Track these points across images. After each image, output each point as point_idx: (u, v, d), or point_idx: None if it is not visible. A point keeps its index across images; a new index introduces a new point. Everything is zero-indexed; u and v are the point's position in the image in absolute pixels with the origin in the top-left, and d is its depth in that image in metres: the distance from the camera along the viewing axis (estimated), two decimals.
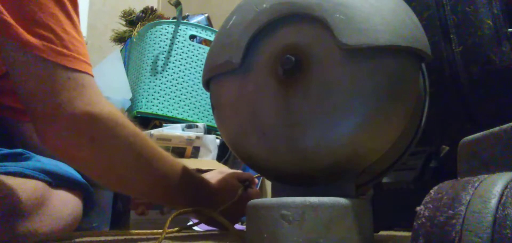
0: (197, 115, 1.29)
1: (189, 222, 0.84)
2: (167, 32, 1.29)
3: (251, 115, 0.53)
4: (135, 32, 1.37)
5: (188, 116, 1.27)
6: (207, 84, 0.59)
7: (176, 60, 1.28)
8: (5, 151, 0.65)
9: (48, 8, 0.53)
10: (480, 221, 0.26)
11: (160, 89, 1.26)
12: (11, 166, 0.61)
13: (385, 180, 0.68)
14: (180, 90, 1.27)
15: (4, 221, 0.55)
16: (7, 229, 0.55)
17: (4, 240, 0.55)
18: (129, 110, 1.26)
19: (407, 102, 0.51)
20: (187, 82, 1.29)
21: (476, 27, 0.59)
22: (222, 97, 0.57)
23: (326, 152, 0.49)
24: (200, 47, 1.32)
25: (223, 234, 0.73)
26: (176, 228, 0.69)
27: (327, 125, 0.49)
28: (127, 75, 1.36)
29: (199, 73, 1.30)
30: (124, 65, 1.40)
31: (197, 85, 1.29)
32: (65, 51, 0.53)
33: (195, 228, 0.79)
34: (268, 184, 1.09)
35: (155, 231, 0.68)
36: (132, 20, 1.44)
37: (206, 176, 0.76)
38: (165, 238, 0.62)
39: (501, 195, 0.26)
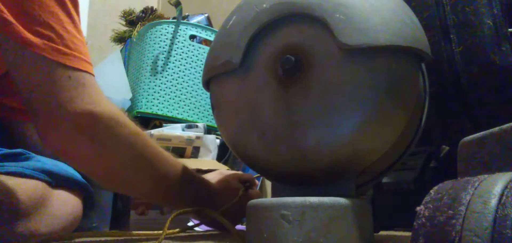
0: (197, 115, 1.29)
1: (189, 222, 0.84)
2: (167, 32, 1.29)
3: (251, 115, 0.53)
4: (135, 32, 1.37)
5: (188, 116, 1.27)
6: (207, 84, 0.59)
7: (176, 60, 1.28)
8: (5, 151, 0.65)
9: (48, 7, 0.53)
10: (480, 221, 0.26)
11: (160, 89, 1.26)
12: (11, 166, 0.61)
13: (385, 180, 0.68)
14: (180, 90, 1.27)
15: (4, 221, 0.55)
16: (7, 229, 0.55)
17: (4, 240, 0.55)
18: (129, 110, 1.26)
19: (407, 102, 0.51)
20: (187, 82, 1.29)
21: (476, 27, 0.59)
22: (222, 97, 0.57)
23: (326, 152, 0.49)
24: (200, 47, 1.32)
25: (223, 234, 0.73)
26: (177, 229, 0.68)
27: (327, 125, 0.49)
28: (127, 75, 1.36)
29: (199, 73, 1.30)
30: (124, 65, 1.40)
31: (197, 85, 1.29)
32: (65, 50, 0.53)
33: (196, 229, 0.79)
34: (268, 184, 1.09)
35: (155, 232, 0.68)
36: (132, 20, 1.44)
37: (207, 177, 0.75)
38: (165, 238, 0.62)
39: (501, 195, 0.26)
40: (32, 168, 0.62)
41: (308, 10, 0.50)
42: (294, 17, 0.52)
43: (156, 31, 1.29)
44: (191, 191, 0.68)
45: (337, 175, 0.52)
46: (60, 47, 0.52)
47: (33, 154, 0.67)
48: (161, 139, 1.06)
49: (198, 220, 0.76)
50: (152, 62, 1.27)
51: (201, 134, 1.13)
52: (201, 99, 1.30)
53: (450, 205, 0.28)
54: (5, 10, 0.50)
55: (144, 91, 1.26)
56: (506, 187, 0.27)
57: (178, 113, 1.26)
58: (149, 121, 1.26)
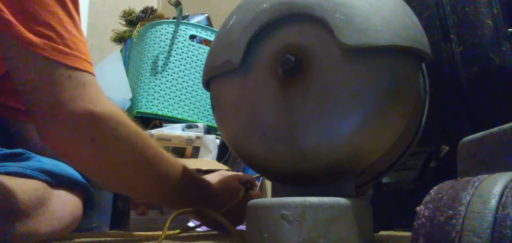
0: (197, 115, 1.29)
1: (189, 222, 0.84)
2: (167, 32, 1.29)
3: (251, 115, 0.53)
4: (135, 32, 1.37)
5: (188, 116, 1.27)
6: (207, 84, 0.59)
7: (176, 60, 1.28)
8: (5, 151, 0.65)
9: (49, 7, 0.53)
10: (480, 221, 0.26)
11: (160, 89, 1.26)
12: (11, 166, 0.61)
13: (385, 180, 0.68)
14: (180, 90, 1.27)
15: (4, 221, 0.55)
16: (7, 229, 0.55)
17: (4, 240, 0.55)
18: (129, 110, 1.26)
19: (407, 102, 0.51)
20: (187, 82, 1.29)
21: (476, 27, 0.59)
22: (222, 97, 0.57)
23: (326, 152, 0.49)
24: (200, 47, 1.32)
25: (223, 235, 0.73)
26: (177, 230, 0.68)
27: (327, 125, 0.49)
28: (127, 75, 1.36)
29: (199, 73, 1.30)
30: (124, 65, 1.40)
31: (197, 85, 1.29)
32: (66, 49, 0.53)
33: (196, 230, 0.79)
34: (268, 184, 1.09)
35: (155, 232, 0.68)
36: (132, 20, 1.44)
37: (208, 177, 0.75)
38: (165, 238, 0.62)
39: (501, 195, 0.26)
40: (32, 168, 0.62)
41: (308, 10, 0.50)
42: (294, 17, 0.52)
43: (156, 31, 1.29)
44: (191, 191, 0.68)
45: (337, 175, 0.52)
46: (60, 47, 0.52)
47: (33, 154, 0.67)
48: (161, 139, 1.06)
49: (198, 221, 0.76)
50: (152, 62, 1.27)
51: (201, 134, 1.13)
52: (201, 99, 1.30)
53: (450, 205, 0.28)
54: (5, 10, 0.50)
55: (144, 91, 1.26)
56: (506, 187, 0.27)
57: (178, 113, 1.26)
58: (149, 121, 1.26)
